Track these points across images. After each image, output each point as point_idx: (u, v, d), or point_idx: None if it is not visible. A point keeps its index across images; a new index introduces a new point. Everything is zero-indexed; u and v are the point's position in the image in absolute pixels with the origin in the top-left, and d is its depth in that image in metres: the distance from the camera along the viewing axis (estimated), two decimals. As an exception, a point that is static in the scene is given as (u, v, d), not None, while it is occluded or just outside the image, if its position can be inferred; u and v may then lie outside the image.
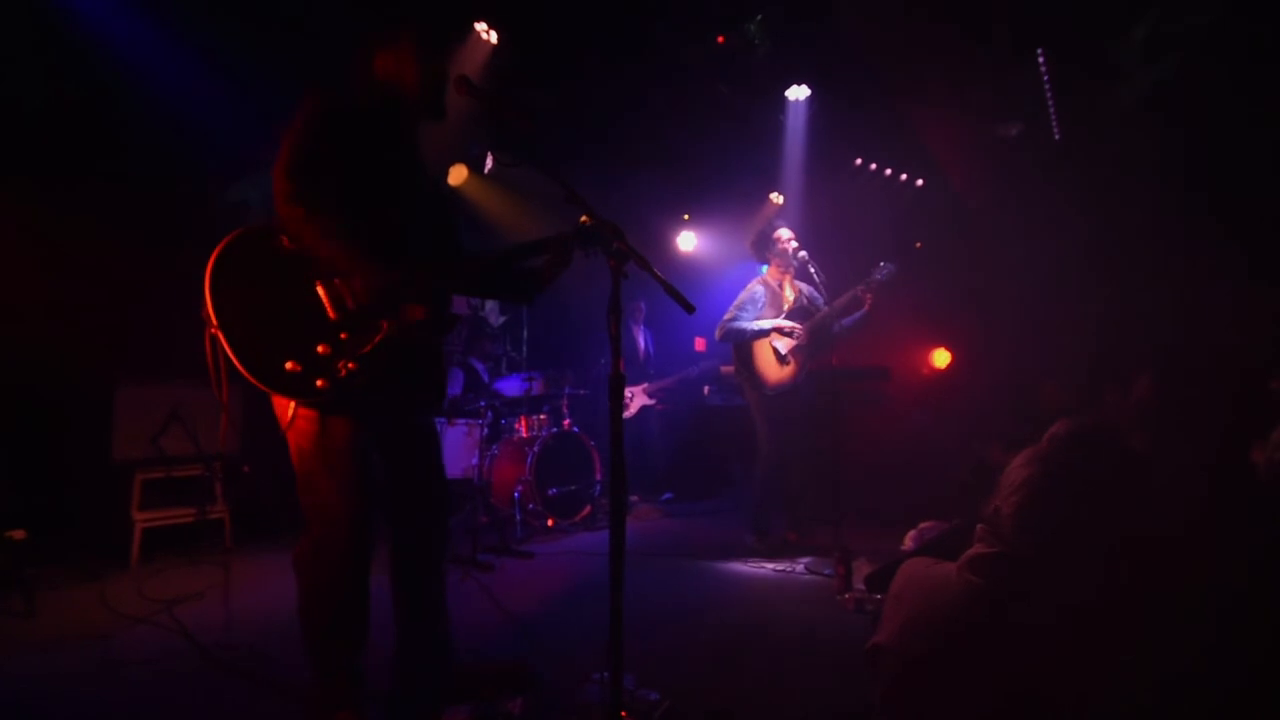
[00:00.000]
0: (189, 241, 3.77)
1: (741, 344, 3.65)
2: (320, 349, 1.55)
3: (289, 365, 1.52)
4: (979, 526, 1.31)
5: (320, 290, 1.57)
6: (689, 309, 1.54)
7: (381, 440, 1.74)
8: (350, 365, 1.56)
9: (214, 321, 1.49)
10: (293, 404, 1.57)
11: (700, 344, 6.20)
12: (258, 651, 2.15)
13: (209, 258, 1.54)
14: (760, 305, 3.66)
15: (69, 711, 1.87)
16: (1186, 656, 1.24)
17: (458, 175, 5.49)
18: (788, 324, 3.57)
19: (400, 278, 1.58)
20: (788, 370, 3.59)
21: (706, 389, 5.82)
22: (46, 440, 3.50)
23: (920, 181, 6.00)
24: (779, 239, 3.65)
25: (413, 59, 1.74)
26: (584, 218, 1.64)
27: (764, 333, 3.58)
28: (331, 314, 1.58)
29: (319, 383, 1.54)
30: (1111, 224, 4.46)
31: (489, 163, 5.47)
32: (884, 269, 3.45)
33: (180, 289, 3.74)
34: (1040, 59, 4.70)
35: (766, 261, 3.77)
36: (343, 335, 1.57)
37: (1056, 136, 4.92)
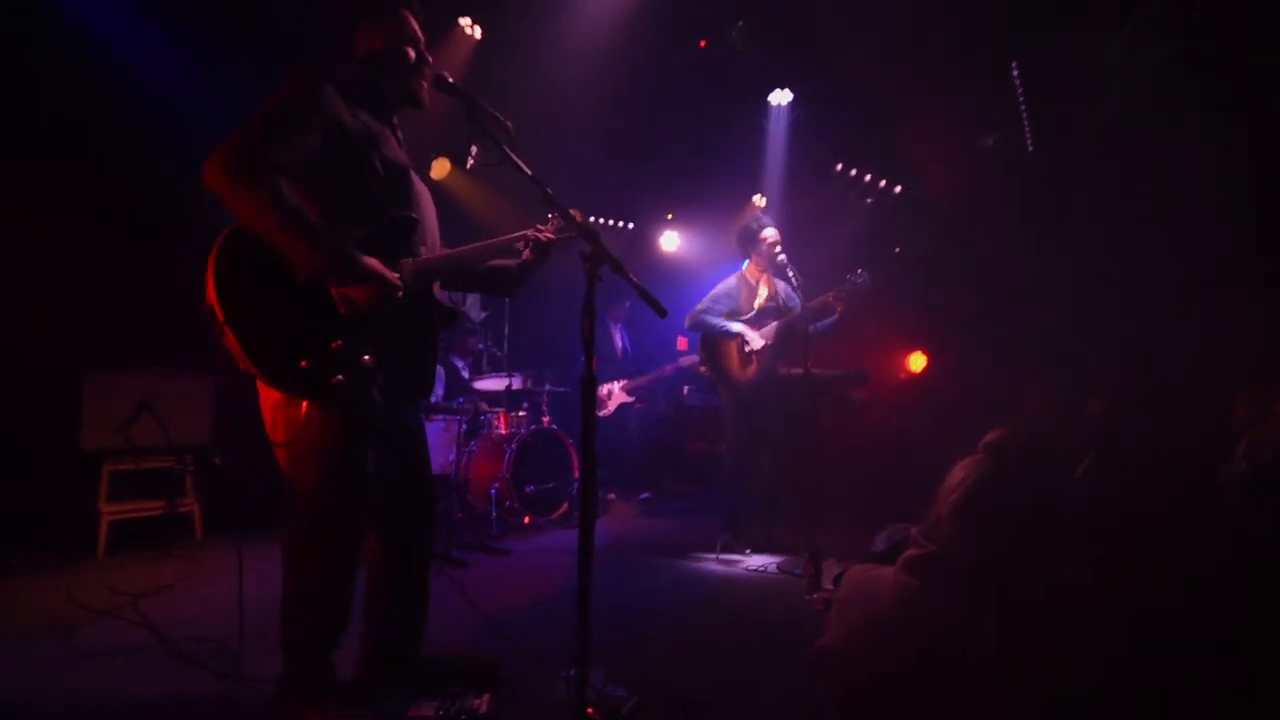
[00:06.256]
0: (160, 227, 3.74)
1: (709, 339, 3.68)
2: (334, 345, 1.51)
3: (304, 363, 1.48)
4: (914, 530, 1.36)
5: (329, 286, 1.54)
6: (661, 313, 1.57)
7: (377, 433, 1.69)
8: (367, 360, 1.54)
9: (220, 316, 1.41)
10: (305, 402, 1.54)
11: (683, 343, 6.23)
12: (225, 647, 2.14)
13: (209, 249, 1.46)
14: (734, 300, 3.68)
15: (31, 704, 1.84)
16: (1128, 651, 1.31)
17: (440, 169, 5.46)
18: (752, 334, 3.59)
19: (330, 254, 1.45)
20: (749, 370, 3.62)
21: (686, 389, 5.85)
22: (10, 429, 3.41)
23: (899, 188, 6.09)
24: (764, 239, 3.64)
25: (397, 38, 1.72)
26: (574, 212, 1.65)
27: (730, 334, 3.61)
28: (342, 309, 1.56)
29: (335, 379, 1.50)
30: (1083, 235, 4.57)
31: (471, 158, 5.43)
32: (859, 276, 3.47)
33: (150, 276, 3.72)
34: (1015, 72, 4.81)
35: (748, 256, 3.77)
36: (353, 331, 1.55)
37: (1030, 148, 5.03)
